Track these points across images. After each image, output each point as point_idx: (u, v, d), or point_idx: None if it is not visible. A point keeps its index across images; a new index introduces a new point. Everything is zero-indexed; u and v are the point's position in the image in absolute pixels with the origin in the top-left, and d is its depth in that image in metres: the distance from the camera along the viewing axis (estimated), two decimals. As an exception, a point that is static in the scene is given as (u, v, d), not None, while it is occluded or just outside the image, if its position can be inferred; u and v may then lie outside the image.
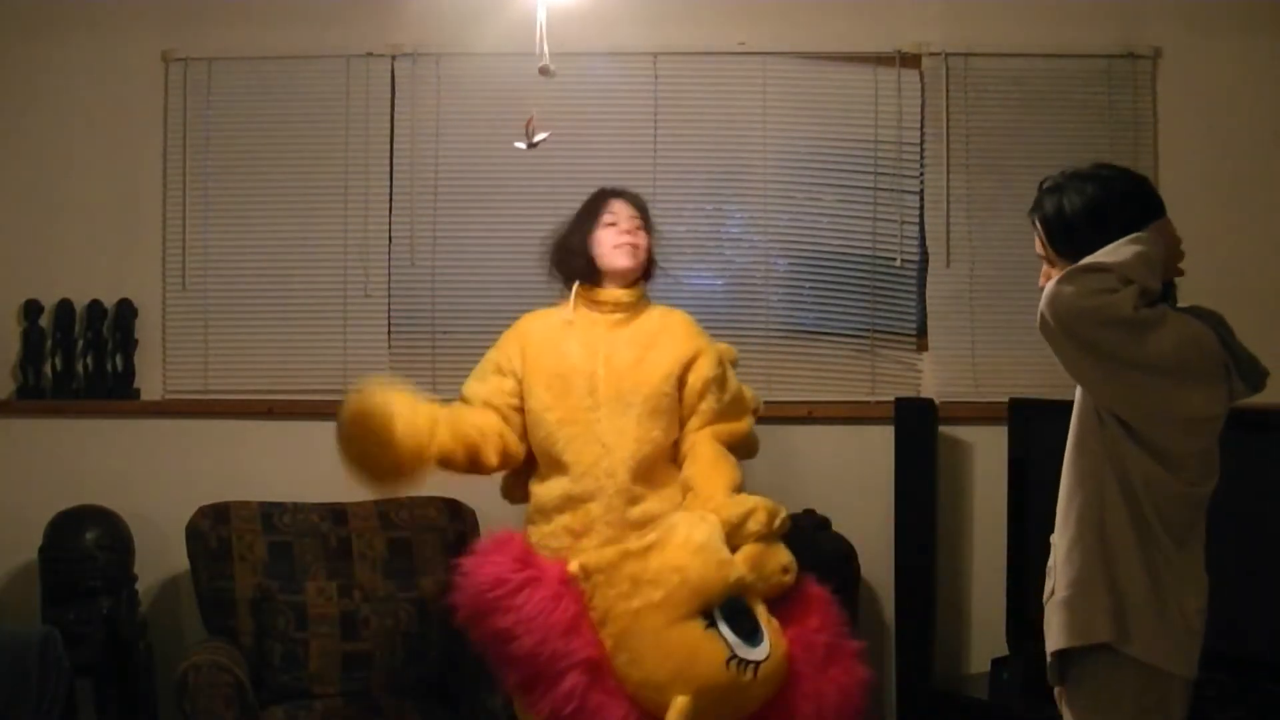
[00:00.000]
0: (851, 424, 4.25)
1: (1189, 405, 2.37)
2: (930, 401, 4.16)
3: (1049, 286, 2.32)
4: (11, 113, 4.24)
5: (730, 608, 3.11)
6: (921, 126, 4.29)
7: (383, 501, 4.01)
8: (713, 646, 3.04)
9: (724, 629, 3.07)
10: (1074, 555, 2.43)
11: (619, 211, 3.49)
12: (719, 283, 4.35)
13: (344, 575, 3.88)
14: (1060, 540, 2.47)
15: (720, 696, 3.05)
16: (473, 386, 3.51)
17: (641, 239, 3.49)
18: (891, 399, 4.16)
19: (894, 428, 4.09)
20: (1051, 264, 2.49)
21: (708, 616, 3.08)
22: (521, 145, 3.35)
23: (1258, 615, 3.41)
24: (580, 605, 3.13)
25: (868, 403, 4.26)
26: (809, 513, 4.06)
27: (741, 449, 3.51)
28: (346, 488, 4.01)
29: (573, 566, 3.18)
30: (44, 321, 4.18)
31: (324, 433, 4.21)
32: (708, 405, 3.44)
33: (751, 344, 4.20)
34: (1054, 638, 2.47)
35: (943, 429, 4.18)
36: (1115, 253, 2.33)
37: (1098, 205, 2.44)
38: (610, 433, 3.36)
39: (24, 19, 4.22)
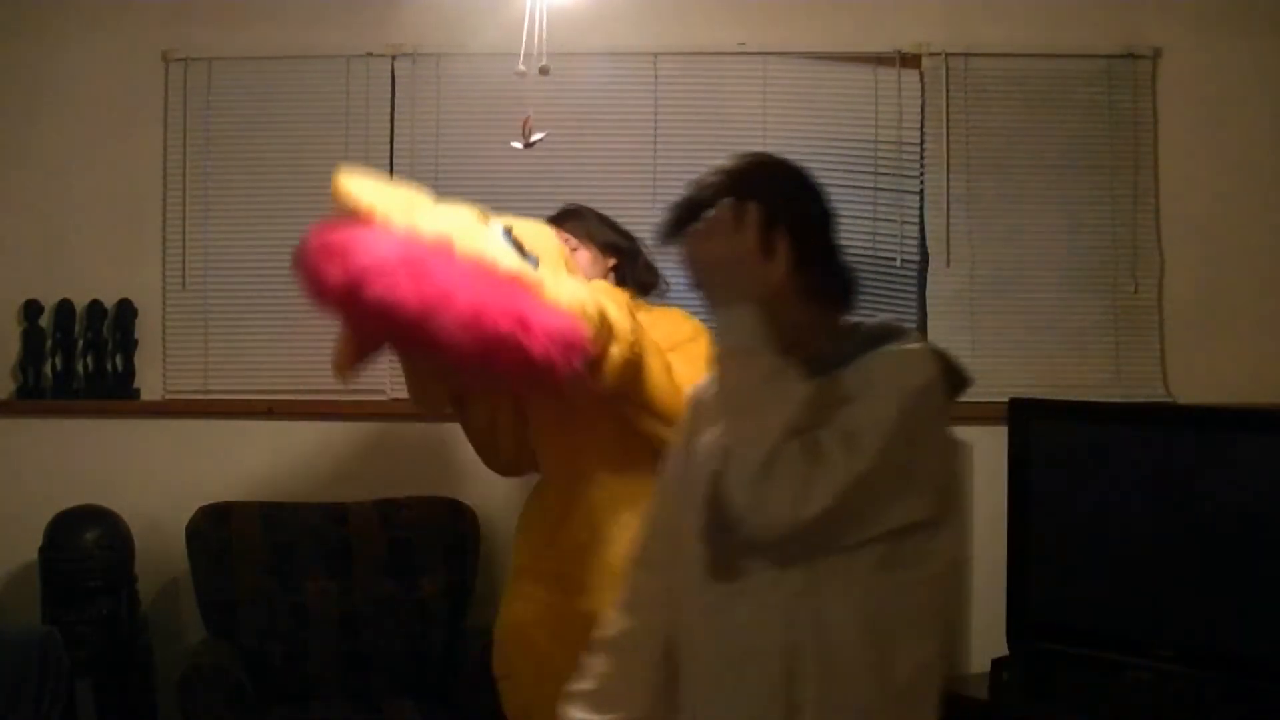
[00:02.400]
0: (851, 424, 4.25)
1: None
2: (930, 401, 4.16)
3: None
4: (12, 113, 4.23)
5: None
6: (921, 126, 4.29)
7: (382, 501, 4.02)
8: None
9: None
10: None
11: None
12: (719, 283, 4.34)
13: (344, 575, 3.88)
14: None
15: None
16: None
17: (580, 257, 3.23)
18: (891, 399, 4.16)
19: (894, 428, 4.09)
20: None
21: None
22: (518, 145, 3.33)
23: (1257, 615, 3.41)
24: None
25: (868, 403, 4.25)
26: (809, 513, 4.05)
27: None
28: (346, 488, 4.05)
29: None
30: (44, 321, 4.18)
31: (324, 433, 4.26)
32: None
33: (751, 344, 4.20)
34: None
35: (943, 429, 4.18)
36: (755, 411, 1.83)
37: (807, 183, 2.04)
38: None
39: (24, 19, 4.21)
